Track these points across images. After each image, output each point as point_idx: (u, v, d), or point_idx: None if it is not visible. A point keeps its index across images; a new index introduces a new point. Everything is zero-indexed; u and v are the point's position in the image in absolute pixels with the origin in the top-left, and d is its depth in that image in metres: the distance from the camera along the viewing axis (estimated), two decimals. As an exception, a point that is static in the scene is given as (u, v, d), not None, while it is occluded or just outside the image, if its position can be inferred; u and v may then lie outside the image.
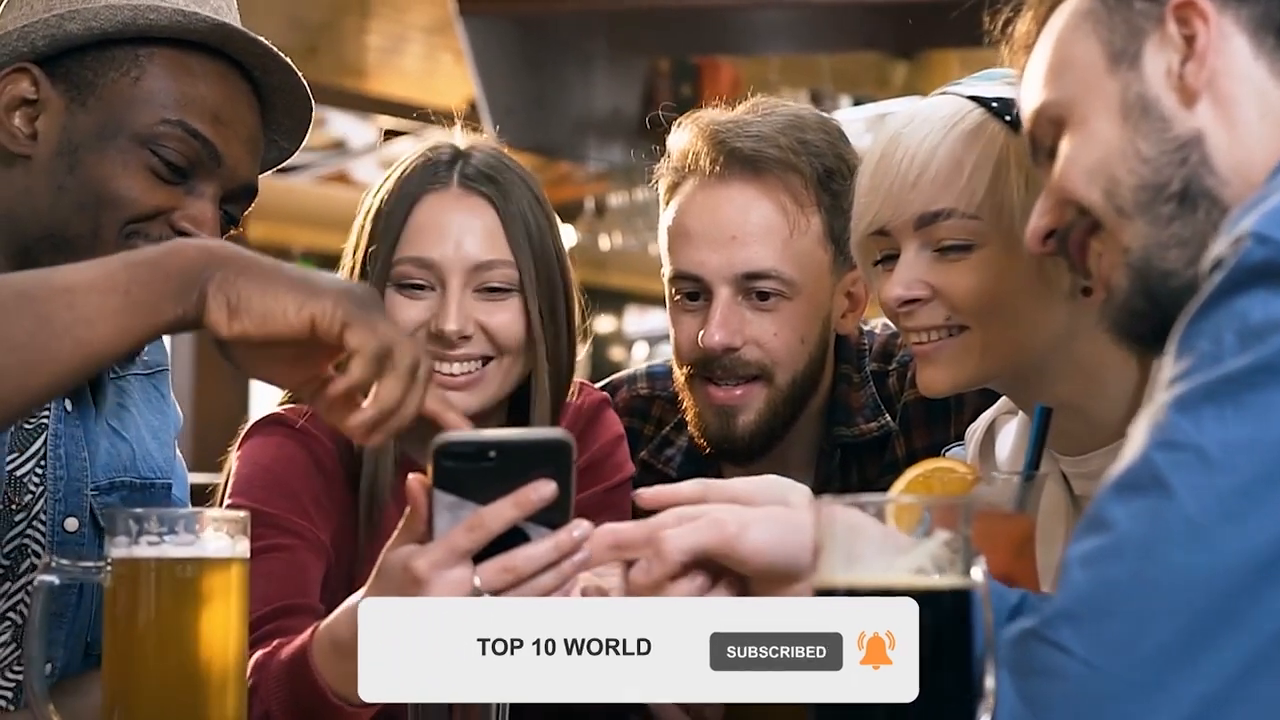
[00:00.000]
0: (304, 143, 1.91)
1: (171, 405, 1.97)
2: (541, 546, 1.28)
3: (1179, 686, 1.08)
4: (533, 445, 1.32)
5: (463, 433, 1.31)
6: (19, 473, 1.75)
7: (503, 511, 1.27)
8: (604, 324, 11.25)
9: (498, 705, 1.61)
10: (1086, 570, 1.13)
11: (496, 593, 1.28)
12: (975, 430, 1.87)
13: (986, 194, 1.65)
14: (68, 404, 1.79)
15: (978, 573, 1.15)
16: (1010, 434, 1.82)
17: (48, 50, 1.70)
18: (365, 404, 1.35)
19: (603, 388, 2.32)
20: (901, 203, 1.68)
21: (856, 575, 1.14)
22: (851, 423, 2.15)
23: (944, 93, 1.73)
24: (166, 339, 1.96)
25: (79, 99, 1.70)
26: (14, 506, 1.74)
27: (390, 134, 7.17)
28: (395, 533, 1.34)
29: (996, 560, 1.45)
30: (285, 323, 1.32)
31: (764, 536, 1.30)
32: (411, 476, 1.31)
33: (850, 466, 2.17)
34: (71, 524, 1.77)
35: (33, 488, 1.77)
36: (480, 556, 1.29)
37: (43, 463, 1.77)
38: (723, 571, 1.33)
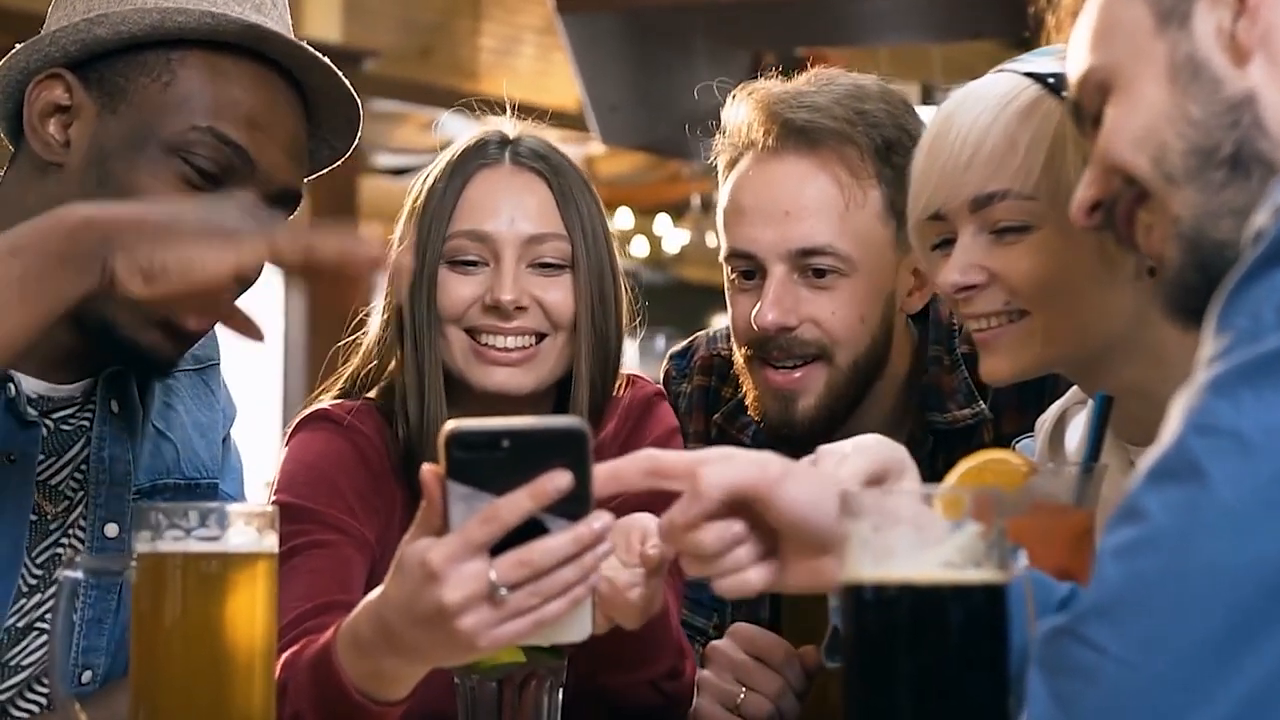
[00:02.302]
0: (355, 143, 1.88)
1: (222, 401, 1.95)
2: (560, 539, 1.24)
3: (1218, 685, 1.02)
4: (547, 434, 1.27)
5: (474, 421, 1.27)
6: (53, 481, 1.74)
7: (518, 503, 1.23)
8: (722, 322, 11.23)
9: (549, 702, 1.59)
10: (1120, 564, 1.07)
11: (514, 587, 1.24)
12: (1045, 421, 1.81)
13: (1043, 173, 1.59)
14: (114, 405, 1.77)
15: (1015, 566, 1.10)
16: (1080, 425, 1.75)
17: (79, 55, 1.68)
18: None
19: (685, 346, 2.29)
20: (955, 185, 1.63)
21: (885, 570, 1.09)
22: (944, 408, 2.07)
23: (1000, 70, 1.67)
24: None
25: (110, 105, 1.67)
26: (47, 515, 1.73)
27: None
28: (412, 526, 1.31)
29: (1053, 555, 1.39)
30: (206, 276, 1.35)
31: (804, 489, 1.25)
32: (425, 467, 1.28)
33: (938, 455, 2.09)
34: (112, 530, 1.75)
35: (70, 494, 1.75)
36: (498, 549, 1.25)
37: (83, 467, 1.76)
38: (756, 525, 1.28)
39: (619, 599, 1.32)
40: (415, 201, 1.98)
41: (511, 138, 1.99)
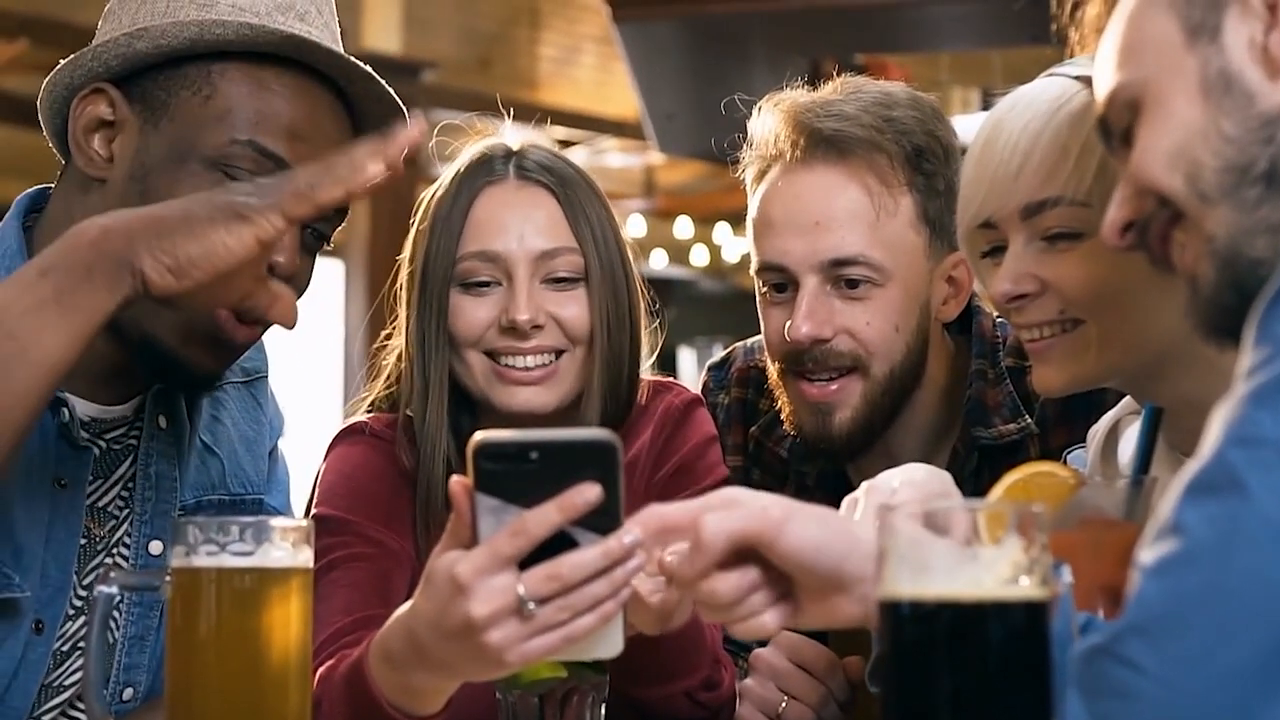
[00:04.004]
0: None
1: (269, 414, 1.94)
2: (590, 553, 1.22)
3: (1261, 704, 1.00)
4: (575, 446, 1.26)
5: (502, 433, 1.26)
6: (101, 503, 1.74)
7: (547, 516, 1.22)
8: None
9: (591, 705, 1.57)
10: (1158, 581, 1.04)
11: (543, 601, 1.23)
12: (1097, 432, 1.77)
13: (1096, 179, 1.56)
14: (161, 420, 1.77)
15: (1056, 583, 1.08)
16: (1134, 436, 1.71)
17: (121, 69, 1.67)
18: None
19: (722, 358, 2.27)
20: (1006, 192, 1.60)
21: (922, 587, 1.07)
22: (990, 423, 2.04)
23: (1050, 74, 1.64)
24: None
25: (152, 119, 1.66)
26: (95, 538, 1.73)
27: (563, 145, 7.22)
28: (442, 538, 1.30)
29: (1101, 570, 1.36)
30: (231, 255, 1.40)
31: (808, 533, 1.24)
32: (454, 479, 1.27)
33: (983, 471, 2.05)
34: (156, 547, 1.75)
35: (116, 512, 1.75)
36: (528, 562, 1.23)
37: (130, 485, 1.76)
38: (769, 568, 1.26)
39: (638, 605, 1.31)
40: (422, 223, 1.95)
41: (515, 150, 1.95)
